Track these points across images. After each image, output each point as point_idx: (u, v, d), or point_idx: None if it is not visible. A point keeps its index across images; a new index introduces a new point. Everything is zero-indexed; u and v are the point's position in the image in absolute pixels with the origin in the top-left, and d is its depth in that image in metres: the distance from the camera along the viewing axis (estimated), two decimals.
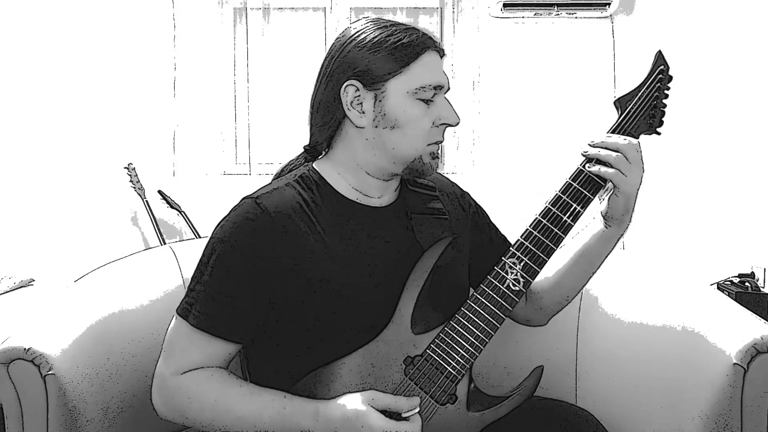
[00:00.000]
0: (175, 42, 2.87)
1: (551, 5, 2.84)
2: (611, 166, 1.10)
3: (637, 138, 1.14)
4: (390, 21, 1.15)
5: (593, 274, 1.26)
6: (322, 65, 1.16)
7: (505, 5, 2.84)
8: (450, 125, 1.15)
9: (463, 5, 2.94)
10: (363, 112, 1.12)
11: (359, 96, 1.11)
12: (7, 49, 2.83)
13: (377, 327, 1.10)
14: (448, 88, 1.16)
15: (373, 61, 1.10)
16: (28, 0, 2.82)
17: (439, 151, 1.18)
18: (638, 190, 1.13)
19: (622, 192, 1.11)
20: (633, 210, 1.16)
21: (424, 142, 1.13)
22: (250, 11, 2.92)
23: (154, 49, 2.87)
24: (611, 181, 1.10)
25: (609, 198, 1.14)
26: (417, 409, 1.05)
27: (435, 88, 1.12)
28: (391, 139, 1.12)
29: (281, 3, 2.97)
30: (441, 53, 1.16)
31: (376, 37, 1.11)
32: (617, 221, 1.17)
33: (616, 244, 1.21)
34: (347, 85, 1.11)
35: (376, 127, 1.12)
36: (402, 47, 1.10)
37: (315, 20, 2.99)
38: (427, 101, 1.12)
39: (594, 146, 1.11)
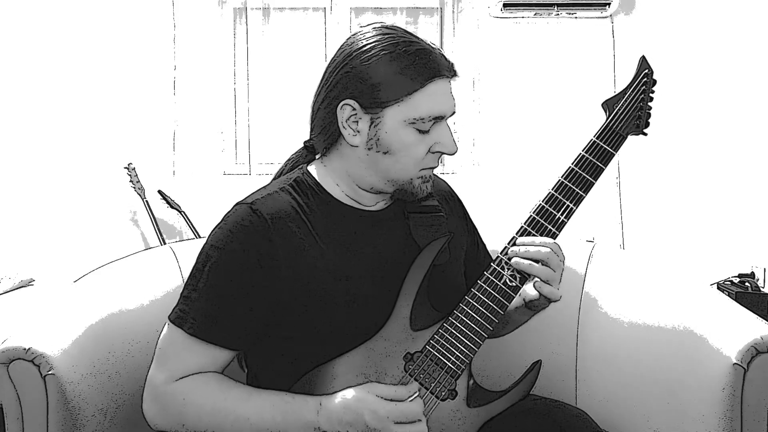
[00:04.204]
0: (175, 42, 2.87)
1: (551, 5, 2.83)
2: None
3: (626, 137, 1.15)
4: (403, 36, 1.09)
5: (509, 332, 1.32)
6: (325, 71, 1.13)
7: (505, 5, 2.83)
8: (446, 154, 1.12)
9: (463, 5, 2.94)
10: (358, 131, 1.10)
11: (355, 115, 1.09)
12: (7, 49, 2.83)
13: (376, 325, 1.10)
14: (453, 113, 1.12)
15: (375, 84, 1.06)
16: (28, 0, 2.81)
17: (431, 175, 1.16)
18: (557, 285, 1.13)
19: (544, 296, 1.12)
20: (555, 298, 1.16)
21: (417, 168, 1.11)
22: (250, 11, 2.91)
23: (154, 49, 2.86)
24: (538, 291, 1.11)
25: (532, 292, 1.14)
26: (416, 393, 1.06)
27: (435, 118, 1.09)
28: (383, 162, 1.10)
29: (281, 3, 2.97)
30: (452, 76, 1.11)
31: (383, 56, 1.06)
32: (535, 307, 1.18)
33: (532, 316, 1.25)
34: (344, 104, 1.09)
35: (369, 149, 1.10)
36: (409, 73, 1.06)
37: (315, 20, 2.99)
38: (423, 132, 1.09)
39: (519, 249, 1.09)
